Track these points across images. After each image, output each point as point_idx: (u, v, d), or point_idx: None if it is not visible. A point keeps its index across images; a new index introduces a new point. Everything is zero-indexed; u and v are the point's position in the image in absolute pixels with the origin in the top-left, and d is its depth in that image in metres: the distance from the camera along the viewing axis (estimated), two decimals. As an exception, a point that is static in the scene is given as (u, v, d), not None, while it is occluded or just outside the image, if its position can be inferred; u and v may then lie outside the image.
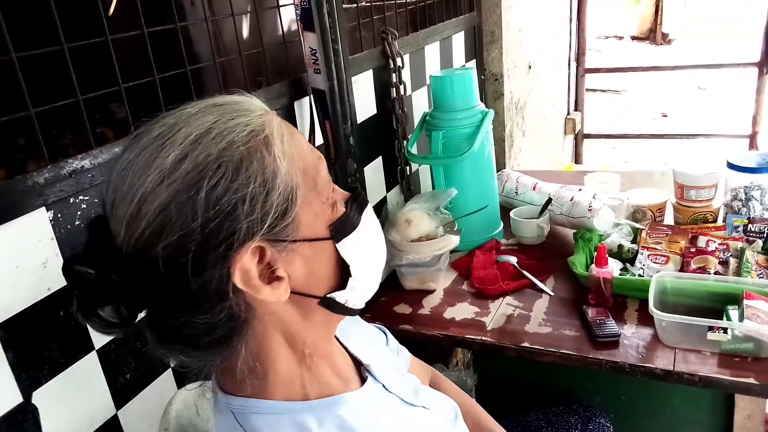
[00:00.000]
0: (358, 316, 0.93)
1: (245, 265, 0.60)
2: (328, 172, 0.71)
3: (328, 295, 0.69)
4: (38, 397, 0.85)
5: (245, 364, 0.66)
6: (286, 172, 0.62)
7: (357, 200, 0.72)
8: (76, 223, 0.91)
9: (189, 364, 0.66)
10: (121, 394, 0.98)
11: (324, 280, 0.68)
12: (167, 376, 1.07)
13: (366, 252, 0.72)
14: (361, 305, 0.74)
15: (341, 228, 0.68)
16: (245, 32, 1.39)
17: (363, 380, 0.79)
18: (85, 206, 0.92)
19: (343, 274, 0.69)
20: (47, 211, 0.86)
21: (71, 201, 0.90)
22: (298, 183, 0.63)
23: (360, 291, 0.72)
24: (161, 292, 0.60)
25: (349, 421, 0.68)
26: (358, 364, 0.81)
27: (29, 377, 0.84)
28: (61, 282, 0.89)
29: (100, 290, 0.58)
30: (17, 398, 0.83)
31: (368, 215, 0.73)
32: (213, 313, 0.61)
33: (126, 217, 0.58)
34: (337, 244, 0.68)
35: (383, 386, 0.80)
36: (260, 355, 0.67)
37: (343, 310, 0.71)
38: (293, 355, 0.69)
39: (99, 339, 0.94)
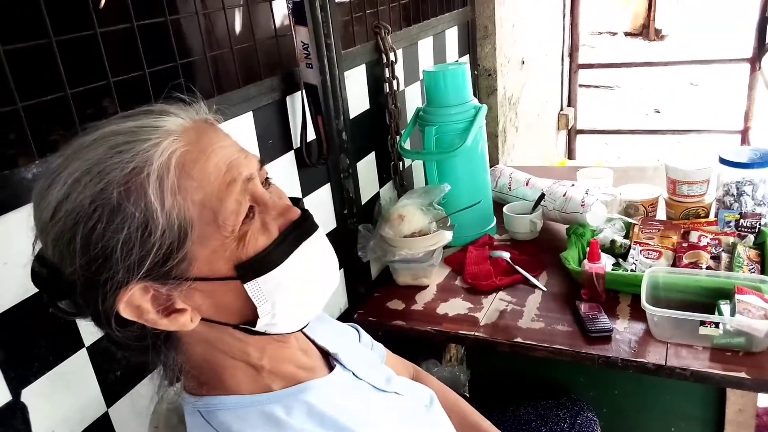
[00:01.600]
0: (326, 314, 0.94)
1: (135, 301, 0.60)
2: (266, 190, 0.66)
3: (242, 325, 0.66)
4: (27, 395, 0.84)
5: (193, 370, 0.68)
6: (171, 209, 0.58)
7: (295, 230, 0.66)
8: (65, 218, 0.90)
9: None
10: (112, 392, 0.97)
11: (234, 312, 0.65)
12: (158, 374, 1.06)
13: (292, 286, 0.65)
14: (291, 330, 0.70)
15: (253, 267, 0.62)
16: (237, 26, 1.38)
17: (331, 369, 0.79)
18: (74, 202, 0.91)
19: (251, 314, 0.65)
20: (36, 206, 0.85)
21: (60, 196, 0.89)
22: (192, 218, 0.59)
23: (282, 323, 0.67)
24: (78, 308, 0.63)
25: (317, 406, 0.69)
26: (326, 355, 0.82)
27: (18, 375, 0.83)
28: (50, 278, 0.88)
29: (51, 287, 0.62)
30: (6, 396, 0.82)
31: (308, 246, 0.67)
32: (120, 332, 0.62)
33: (40, 239, 0.62)
34: (245, 284, 0.62)
35: (353, 374, 0.80)
36: (208, 362, 0.68)
37: (266, 335, 0.67)
38: (243, 364, 0.69)
39: (89, 336, 0.94)
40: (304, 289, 0.68)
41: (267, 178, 0.68)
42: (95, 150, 0.58)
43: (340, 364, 0.80)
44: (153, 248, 0.57)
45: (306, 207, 0.71)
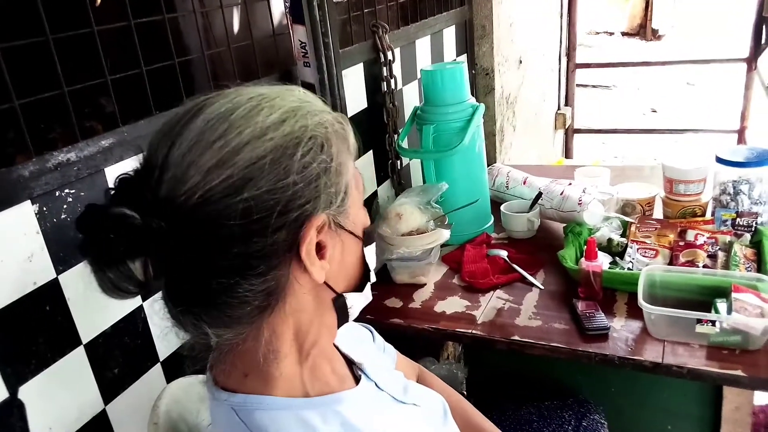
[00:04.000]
0: None
1: (311, 235, 0.62)
2: None
3: (343, 293, 0.71)
4: (25, 392, 0.84)
5: (258, 350, 0.65)
6: (351, 165, 0.68)
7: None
8: (62, 216, 0.90)
9: (196, 340, 0.65)
10: (110, 389, 0.98)
11: (347, 275, 0.72)
12: (156, 371, 1.07)
13: (373, 266, 0.76)
14: (354, 316, 0.76)
15: (368, 236, 0.73)
16: (235, 24, 1.38)
17: (356, 379, 0.79)
18: (71, 200, 0.91)
19: (359, 277, 0.74)
20: (33, 204, 0.85)
21: (57, 194, 0.89)
22: (351, 178, 0.68)
23: (361, 299, 0.75)
24: (222, 248, 0.57)
25: (349, 419, 0.69)
26: (350, 363, 0.82)
27: (15, 372, 0.83)
28: (47, 276, 0.88)
29: (140, 239, 0.54)
30: (3, 393, 0.82)
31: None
32: (264, 279, 0.60)
33: (209, 163, 0.56)
34: (364, 248, 0.73)
35: (375, 384, 0.80)
36: (271, 343, 0.66)
37: (343, 316, 0.73)
38: (297, 353, 0.69)
39: (86, 333, 0.94)
40: (372, 272, 0.77)
41: None
42: (292, 97, 0.64)
43: (365, 374, 0.80)
44: (342, 187, 0.65)
45: None
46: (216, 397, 0.68)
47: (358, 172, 0.72)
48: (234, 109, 0.60)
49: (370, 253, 0.75)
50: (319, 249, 0.64)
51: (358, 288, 0.74)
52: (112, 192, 0.58)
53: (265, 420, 0.65)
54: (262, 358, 0.65)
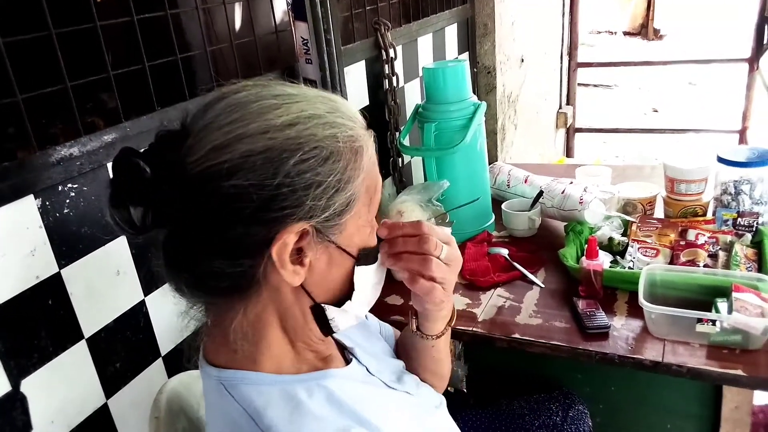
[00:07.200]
0: None
1: (287, 239, 0.62)
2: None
3: (323, 304, 0.71)
4: (27, 385, 0.85)
5: (240, 330, 0.68)
6: (358, 182, 0.67)
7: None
8: (65, 211, 0.90)
9: (187, 300, 0.69)
10: (111, 383, 0.98)
11: (330, 287, 0.71)
12: (158, 365, 1.07)
13: (368, 288, 0.75)
14: (339, 330, 0.75)
15: (366, 256, 0.72)
16: (237, 21, 1.39)
17: (347, 362, 0.81)
18: (73, 194, 0.91)
19: (345, 294, 0.72)
20: (35, 198, 0.85)
21: (59, 189, 0.89)
22: (360, 195, 0.68)
23: (348, 317, 0.74)
24: (202, 221, 0.62)
25: (336, 393, 0.71)
26: (342, 348, 0.84)
27: (18, 366, 0.84)
28: (49, 270, 0.88)
29: (145, 190, 0.61)
30: (5, 387, 0.82)
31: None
32: (231, 263, 0.63)
33: (213, 143, 0.61)
34: (356, 267, 0.71)
35: (366, 369, 0.82)
36: (255, 326, 0.69)
37: (323, 325, 0.72)
38: (284, 339, 0.71)
39: (89, 328, 0.94)
40: (371, 293, 0.76)
41: None
42: (320, 105, 0.66)
43: (356, 358, 0.82)
44: (336, 203, 0.64)
45: None
46: (207, 372, 0.72)
47: (379, 192, 0.72)
48: (255, 101, 0.64)
49: (366, 275, 0.73)
50: (299, 254, 0.65)
51: (338, 304, 0.72)
52: (151, 143, 0.64)
53: (252, 393, 0.68)
54: (244, 336, 0.69)
